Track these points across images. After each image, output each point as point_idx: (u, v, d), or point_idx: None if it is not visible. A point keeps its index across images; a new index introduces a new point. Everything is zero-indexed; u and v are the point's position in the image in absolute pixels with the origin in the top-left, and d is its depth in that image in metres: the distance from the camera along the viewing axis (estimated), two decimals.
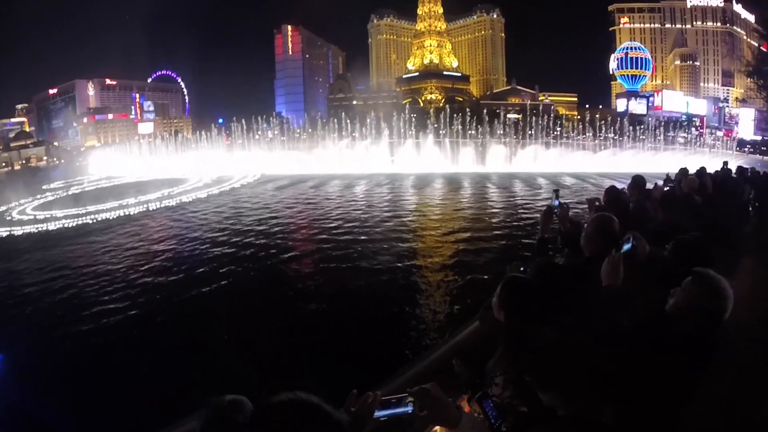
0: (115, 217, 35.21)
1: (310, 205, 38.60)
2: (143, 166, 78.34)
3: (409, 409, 1.98)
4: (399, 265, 19.94)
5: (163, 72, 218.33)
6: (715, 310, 2.97)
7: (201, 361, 11.30)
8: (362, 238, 25.37)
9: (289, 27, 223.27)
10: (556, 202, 5.05)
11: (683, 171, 12.96)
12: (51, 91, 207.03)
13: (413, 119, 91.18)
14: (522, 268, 4.12)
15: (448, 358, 3.45)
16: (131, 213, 37.15)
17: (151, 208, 39.00)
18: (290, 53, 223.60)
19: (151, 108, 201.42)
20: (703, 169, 14.37)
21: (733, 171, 17.44)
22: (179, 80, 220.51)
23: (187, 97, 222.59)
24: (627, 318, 3.28)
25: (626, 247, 3.76)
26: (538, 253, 4.82)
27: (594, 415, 2.27)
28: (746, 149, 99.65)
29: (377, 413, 1.99)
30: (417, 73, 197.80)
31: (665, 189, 10.48)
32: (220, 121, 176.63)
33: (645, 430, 2.87)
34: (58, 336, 13.81)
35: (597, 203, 6.31)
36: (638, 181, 8.58)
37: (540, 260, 4.23)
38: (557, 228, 5.74)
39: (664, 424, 2.88)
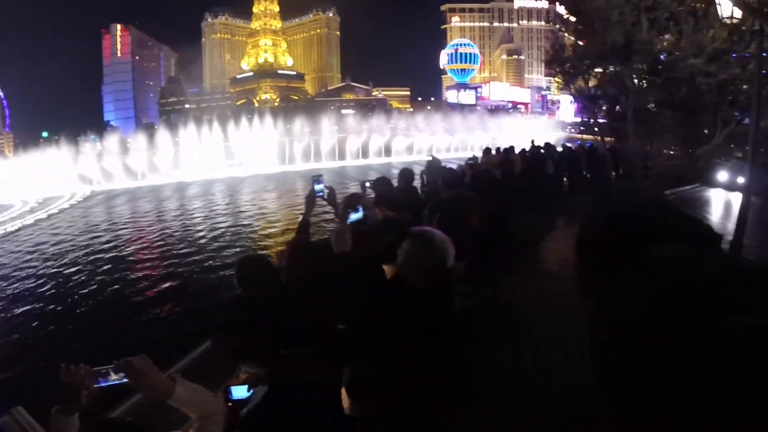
0: None
1: (145, 221, 37.58)
2: None
3: (125, 379, 2.03)
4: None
5: None
6: (430, 263, 3.10)
7: None
8: (208, 250, 25.43)
9: (119, 26, 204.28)
10: (317, 186, 4.93)
11: (486, 149, 14.17)
12: None
13: (248, 120, 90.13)
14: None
15: None
16: None
17: None
18: (119, 55, 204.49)
19: None
20: (511, 147, 15.72)
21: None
22: None
23: (7, 110, 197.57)
24: (357, 282, 3.38)
25: (354, 216, 3.85)
26: (299, 233, 4.92)
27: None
28: (568, 129, 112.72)
29: (101, 383, 2.05)
30: (251, 73, 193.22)
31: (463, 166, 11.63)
32: (44, 134, 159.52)
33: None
34: None
35: (367, 184, 6.61)
36: (432, 163, 9.49)
37: (293, 239, 4.46)
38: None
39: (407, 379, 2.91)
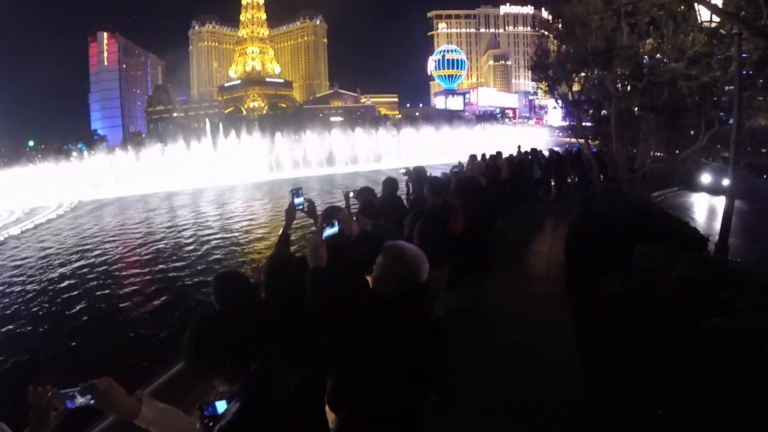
0: None
1: (134, 232, 36.93)
2: None
3: (92, 400, 2.06)
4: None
5: None
6: (403, 274, 3.18)
7: None
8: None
9: (105, 34, 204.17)
10: (297, 200, 4.83)
11: (472, 156, 14.17)
12: None
13: (236, 128, 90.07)
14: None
15: None
16: None
17: None
18: (106, 63, 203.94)
19: None
20: (499, 153, 15.97)
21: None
22: None
23: None
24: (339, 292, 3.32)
25: (330, 230, 3.77)
26: (278, 247, 4.91)
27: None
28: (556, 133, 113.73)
29: (69, 405, 2.06)
30: (239, 81, 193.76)
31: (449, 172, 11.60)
32: (31, 143, 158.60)
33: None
34: None
35: (351, 194, 6.57)
36: (416, 171, 9.31)
37: (272, 253, 4.45)
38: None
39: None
